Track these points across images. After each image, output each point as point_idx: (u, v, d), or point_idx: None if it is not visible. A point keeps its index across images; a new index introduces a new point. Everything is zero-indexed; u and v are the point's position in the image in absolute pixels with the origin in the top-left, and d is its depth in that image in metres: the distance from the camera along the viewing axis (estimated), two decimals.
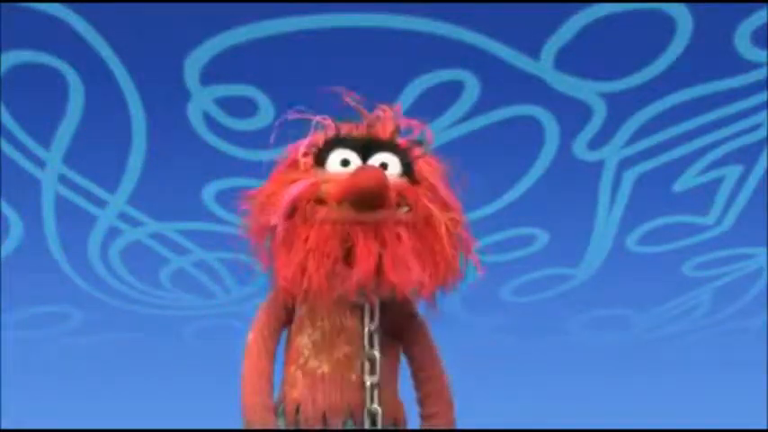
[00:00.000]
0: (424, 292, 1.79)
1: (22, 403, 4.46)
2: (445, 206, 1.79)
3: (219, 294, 5.50)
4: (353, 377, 1.83)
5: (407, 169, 1.82)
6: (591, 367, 5.16)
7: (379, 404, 1.83)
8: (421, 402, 1.95)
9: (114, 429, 4.27)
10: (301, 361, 1.90)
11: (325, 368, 1.84)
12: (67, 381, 4.95)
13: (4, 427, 4.18)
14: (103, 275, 5.30)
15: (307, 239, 1.75)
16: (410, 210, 1.76)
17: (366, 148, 1.83)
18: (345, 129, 1.90)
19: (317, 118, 1.93)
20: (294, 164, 1.88)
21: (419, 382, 1.95)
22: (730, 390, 4.58)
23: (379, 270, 1.72)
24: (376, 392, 1.83)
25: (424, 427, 1.94)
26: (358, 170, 1.74)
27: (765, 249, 5.37)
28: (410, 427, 1.98)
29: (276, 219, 1.77)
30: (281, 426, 1.94)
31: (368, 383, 1.82)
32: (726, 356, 5.16)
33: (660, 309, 5.71)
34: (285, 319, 1.93)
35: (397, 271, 1.72)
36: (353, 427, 1.86)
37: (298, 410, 1.92)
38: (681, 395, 4.71)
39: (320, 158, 1.85)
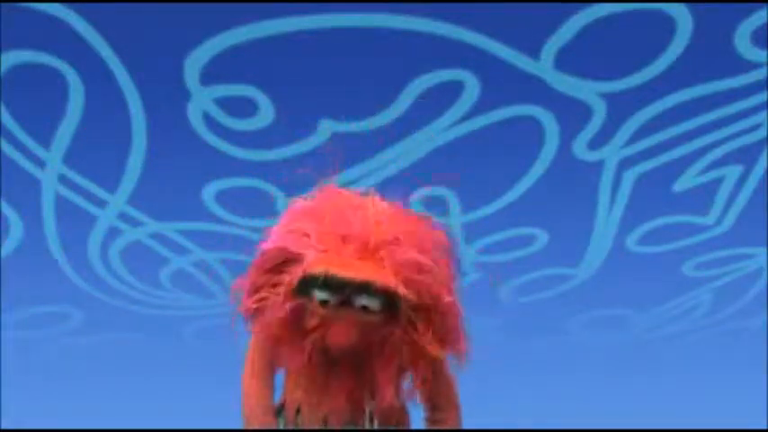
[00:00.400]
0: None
1: (22, 403, 4.46)
2: (437, 312, 1.83)
3: (219, 294, 5.50)
4: (354, 389, 1.87)
5: (390, 304, 1.80)
6: (591, 367, 5.16)
7: (379, 421, 1.89)
8: (428, 411, 1.99)
9: (114, 429, 4.27)
10: (301, 369, 1.91)
11: (324, 376, 1.86)
12: (67, 381, 4.95)
13: (4, 427, 4.18)
14: (103, 275, 5.29)
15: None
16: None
17: (342, 293, 1.81)
18: (333, 255, 1.82)
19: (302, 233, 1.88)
20: (277, 269, 1.90)
21: (432, 420, 1.99)
22: (730, 390, 4.58)
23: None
24: (375, 417, 1.90)
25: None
26: (331, 331, 1.80)
27: (765, 249, 5.37)
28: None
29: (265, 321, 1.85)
30: (281, 426, 1.95)
31: (367, 410, 1.89)
32: (726, 356, 5.16)
33: (660, 309, 5.71)
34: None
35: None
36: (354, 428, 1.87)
37: (298, 412, 1.93)
38: (681, 395, 4.71)
39: (304, 287, 1.83)
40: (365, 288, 1.78)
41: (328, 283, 1.78)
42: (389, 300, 1.79)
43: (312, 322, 1.81)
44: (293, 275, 1.81)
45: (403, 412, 1.98)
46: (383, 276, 1.77)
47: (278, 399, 2.00)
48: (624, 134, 4.95)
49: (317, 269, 1.78)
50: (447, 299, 1.84)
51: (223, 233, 5.14)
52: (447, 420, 1.97)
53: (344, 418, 1.89)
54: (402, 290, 1.79)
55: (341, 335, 1.80)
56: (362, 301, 1.79)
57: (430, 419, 1.98)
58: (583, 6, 4.46)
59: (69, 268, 5.21)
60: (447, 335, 1.87)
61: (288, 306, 1.81)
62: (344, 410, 1.88)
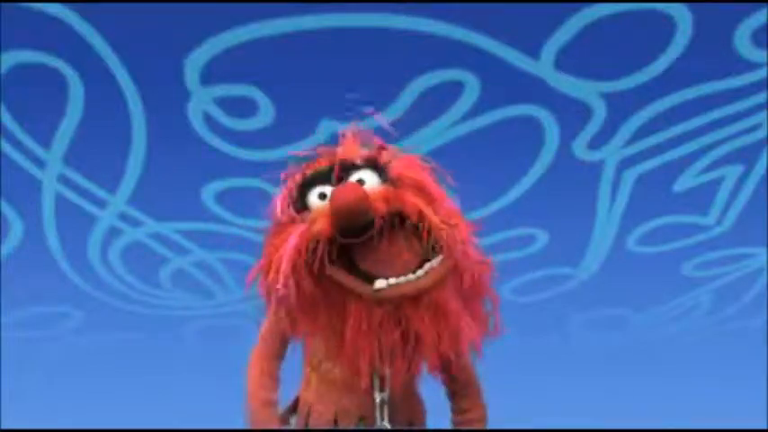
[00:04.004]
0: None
1: (22, 403, 4.46)
2: (432, 198, 1.76)
3: (219, 294, 5.50)
4: (366, 385, 1.82)
5: (385, 178, 1.77)
6: (591, 367, 5.16)
7: (391, 415, 1.84)
8: (452, 400, 2.00)
9: (114, 429, 4.27)
10: (315, 362, 1.91)
11: (338, 372, 1.84)
12: (67, 381, 4.94)
13: (4, 427, 4.18)
14: (103, 275, 5.29)
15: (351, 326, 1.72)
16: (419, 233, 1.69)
17: (338, 173, 1.79)
18: (310, 167, 1.85)
19: (283, 174, 1.87)
20: (281, 223, 1.80)
21: (456, 409, 1.99)
22: (730, 390, 4.58)
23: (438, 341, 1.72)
24: (385, 408, 1.84)
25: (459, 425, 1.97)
26: (332, 193, 1.69)
27: (765, 249, 5.37)
28: (429, 425, 2.00)
29: (283, 288, 1.70)
30: (293, 424, 1.95)
31: (377, 399, 1.83)
32: (726, 356, 5.16)
33: (660, 309, 5.71)
34: (285, 343, 1.95)
35: (428, 354, 1.73)
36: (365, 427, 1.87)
37: (309, 412, 1.93)
38: (681, 395, 4.71)
39: (301, 205, 1.79)
40: (350, 165, 1.78)
41: (313, 178, 1.78)
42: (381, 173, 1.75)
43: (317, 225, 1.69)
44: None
45: (417, 402, 1.97)
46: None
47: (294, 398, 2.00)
48: (624, 134, 4.96)
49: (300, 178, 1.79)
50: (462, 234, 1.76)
51: (223, 233, 5.14)
52: (473, 409, 1.96)
53: (354, 414, 1.88)
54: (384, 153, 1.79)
55: (346, 194, 1.65)
56: (355, 177, 1.76)
57: (455, 409, 1.97)
58: (583, 6, 4.46)
59: (69, 268, 5.21)
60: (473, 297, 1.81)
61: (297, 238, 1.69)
62: (354, 407, 1.87)
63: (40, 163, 4.79)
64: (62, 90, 4.56)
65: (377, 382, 1.82)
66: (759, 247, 5.39)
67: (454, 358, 1.80)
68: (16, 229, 5.03)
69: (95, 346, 5.40)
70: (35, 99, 4.59)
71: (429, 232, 1.69)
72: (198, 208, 5.03)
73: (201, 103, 4.63)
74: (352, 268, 1.71)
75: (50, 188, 4.89)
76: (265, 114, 4.66)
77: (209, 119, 4.71)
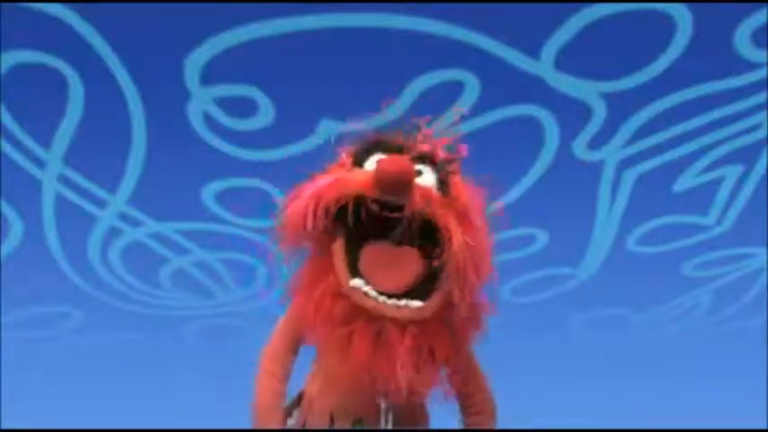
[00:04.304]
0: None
1: (22, 403, 4.46)
2: (472, 228, 1.74)
3: (219, 294, 5.50)
4: (369, 387, 1.81)
5: (443, 186, 1.78)
6: (591, 367, 5.16)
7: (394, 422, 1.84)
8: (464, 410, 1.99)
9: (114, 429, 4.27)
10: (319, 355, 1.90)
11: (342, 371, 1.82)
12: (67, 381, 4.94)
13: (4, 427, 4.18)
14: (103, 275, 5.29)
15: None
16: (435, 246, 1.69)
17: (401, 153, 1.79)
18: (387, 136, 1.87)
19: (360, 126, 1.89)
20: (337, 165, 1.84)
21: (465, 408, 1.98)
22: (730, 390, 4.58)
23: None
24: (390, 415, 1.84)
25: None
26: (384, 158, 1.71)
27: (765, 249, 5.37)
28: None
29: (307, 221, 1.71)
30: (295, 417, 1.94)
31: (383, 406, 1.83)
32: (726, 356, 5.16)
33: (660, 309, 5.71)
34: (300, 336, 1.93)
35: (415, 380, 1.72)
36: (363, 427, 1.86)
37: (310, 407, 1.93)
38: (681, 395, 4.71)
39: (360, 160, 1.81)
40: (419, 154, 1.78)
41: (382, 144, 1.78)
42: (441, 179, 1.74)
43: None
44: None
45: (422, 410, 1.96)
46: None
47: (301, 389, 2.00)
48: (624, 134, 4.95)
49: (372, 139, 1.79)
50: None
51: (223, 233, 5.14)
52: (479, 405, 1.96)
53: (351, 415, 1.87)
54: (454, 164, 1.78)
55: (395, 162, 1.67)
56: (417, 167, 1.75)
57: (464, 409, 1.96)
58: (583, 6, 4.46)
59: (69, 268, 5.21)
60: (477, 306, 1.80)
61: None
62: (353, 407, 1.87)
63: (40, 163, 4.79)
64: (62, 90, 4.56)
65: (381, 389, 1.81)
66: (759, 247, 5.39)
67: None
68: (16, 229, 5.03)
69: (95, 346, 5.40)
70: (35, 99, 4.58)
71: (445, 255, 1.69)
72: (198, 208, 5.03)
73: (201, 103, 4.63)
74: (351, 257, 1.72)
75: (50, 188, 4.88)
76: (265, 114, 4.66)
77: (209, 119, 4.71)
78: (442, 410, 1.96)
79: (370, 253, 1.73)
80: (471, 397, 1.96)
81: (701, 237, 5.42)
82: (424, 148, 1.83)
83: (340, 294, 1.72)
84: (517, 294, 5.44)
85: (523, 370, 4.78)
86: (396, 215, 1.69)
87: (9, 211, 4.97)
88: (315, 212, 1.70)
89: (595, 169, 5.09)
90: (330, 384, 1.87)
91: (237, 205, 5.02)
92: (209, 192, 4.99)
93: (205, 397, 4.45)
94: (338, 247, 1.73)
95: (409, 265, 1.72)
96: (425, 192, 1.71)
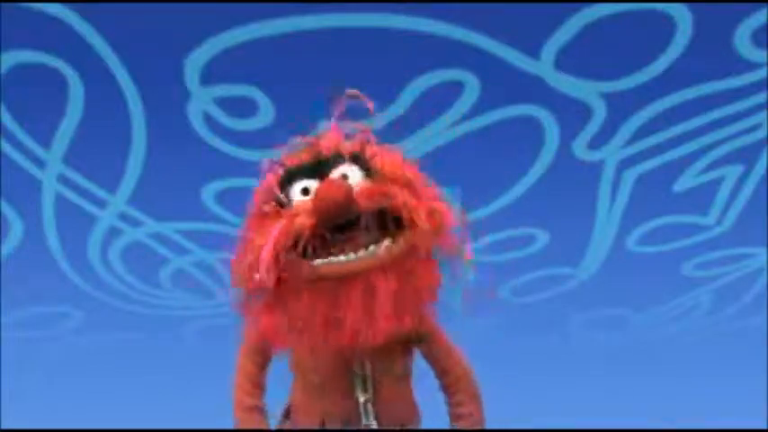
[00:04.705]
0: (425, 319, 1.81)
1: (22, 403, 4.46)
2: (418, 193, 1.73)
3: (219, 294, 5.50)
4: (348, 389, 1.82)
5: (369, 172, 1.75)
6: (591, 367, 5.15)
7: (376, 417, 1.82)
8: (447, 396, 1.96)
9: (114, 429, 4.27)
10: (298, 368, 1.90)
11: (318, 377, 1.83)
12: (67, 381, 4.94)
13: (4, 427, 4.18)
14: (103, 275, 5.29)
15: (296, 303, 1.69)
16: (393, 230, 1.68)
17: (318, 169, 1.77)
18: (294, 160, 1.83)
19: (266, 163, 1.86)
20: (261, 213, 1.79)
21: (443, 385, 1.96)
22: (730, 390, 4.57)
23: (369, 321, 1.66)
24: (370, 407, 1.82)
25: (455, 420, 1.94)
26: (317, 190, 1.67)
27: (765, 249, 5.37)
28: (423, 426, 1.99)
29: (263, 276, 1.67)
30: (287, 428, 1.95)
31: (361, 400, 1.82)
32: (726, 356, 5.15)
33: (660, 309, 5.71)
34: (266, 359, 1.93)
35: (388, 321, 1.67)
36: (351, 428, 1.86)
37: (297, 417, 1.93)
38: (681, 395, 4.71)
39: (282, 201, 1.77)
40: (333, 159, 1.75)
41: (296, 172, 1.75)
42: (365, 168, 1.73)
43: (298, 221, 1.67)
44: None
45: (409, 405, 1.95)
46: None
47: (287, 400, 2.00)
48: (624, 134, 4.96)
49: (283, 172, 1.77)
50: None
51: (223, 233, 5.14)
52: (466, 402, 1.93)
53: (339, 417, 1.87)
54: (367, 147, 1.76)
55: (329, 190, 1.63)
56: (338, 172, 1.73)
57: (450, 402, 1.95)
58: (583, 6, 4.46)
59: (69, 268, 5.21)
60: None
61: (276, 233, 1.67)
62: (338, 410, 1.86)
63: (40, 163, 4.79)
64: (62, 90, 4.56)
65: (359, 383, 1.82)
66: (759, 247, 5.39)
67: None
68: (16, 229, 5.03)
69: (95, 346, 5.40)
70: (35, 99, 4.59)
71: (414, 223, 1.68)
72: (198, 208, 5.03)
73: (201, 103, 4.63)
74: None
75: (50, 188, 4.89)
76: (265, 114, 4.66)
77: (209, 119, 4.71)
78: (433, 404, 1.96)
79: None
80: (448, 374, 1.93)
81: (701, 237, 5.42)
82: (332, 146, 1.82)
83: (314, 280, 1.68)
84: (517, 294, 5.44)
85: (523, 370, 4.78)
86: (351, 230, 1.68)
87: (9, 211, 4.97)
88: (274, 270, 1.68)
89: (595, 169, 5.09)
90: (311, 393, 1.87)
91: (237, 205, 5.02)
92: (209, 192, 4.99)
93: (205, 397, 4.44)
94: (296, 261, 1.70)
95: (368, 231, 1.71)
96: (365, 191, 1.69)
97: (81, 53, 4.46)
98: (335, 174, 1.74)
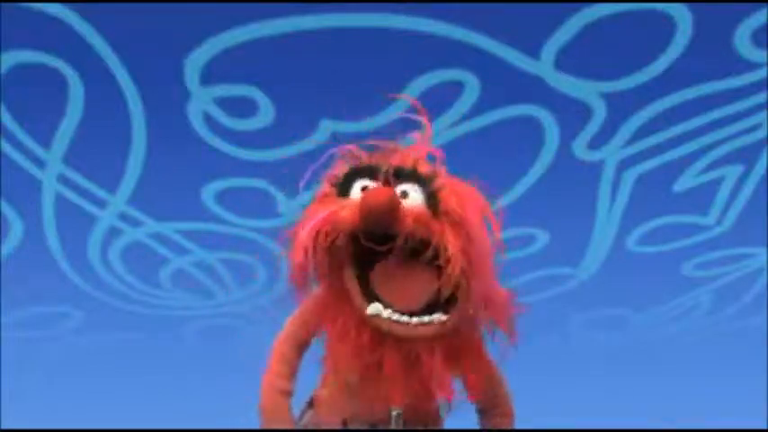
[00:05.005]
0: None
1: (22, 403, 4.46)
2: (470, 240, 1.71)
3: (219, 294, 5.50)
4: (381, 395, 1.80)
5: (432, 200, 1.74)
6: (590, 367, 5.15)
7: (407, 425, 1.83)
8: (482, 418, 2.01)
9: (114, 429, 4.27)
10: (335, 363, 1.89)
11: (354, 376, 1.81)
12: (67, 381, 4.94)
13: (4, 427, 4.18)
14: (103, 275, 5.29)
15: (342, 325, 1.73)
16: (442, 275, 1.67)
17: (385, 176, 1.77)
18: (368, 158, 1.84)
19: (344, 149, 1.86)
20: (322, 196, 1.81)
21: (486, 413, 2.01)
22: (730, 390, 4.58)
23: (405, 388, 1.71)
24: (401, 421, 1.83)
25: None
26: (367, 192, 1.68)
27: (765, 249, 5.36)
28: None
29: (299, 257, 1.70)
30: (308, 417, 1.93)
31: (394, 413, 1.82)
32: (726, 356, 5.15)
33: (660, 309, 5.71)
34: (304, 347, 1.93)
35: (430, 394, 1.73)
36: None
37: (321, 411, 1.92)
38: (681, 395, 4.71)
39: (343, 189, 1.78)
40: (405, 173, 1.75)
41: (365, 169, 1.75)
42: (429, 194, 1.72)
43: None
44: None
45: (436, 415, 1.94)
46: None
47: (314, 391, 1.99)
48: (624, 134, 4.95)
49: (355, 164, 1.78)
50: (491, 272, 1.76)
51: (223, 233, 5.14)
52: (500, 415, 2.00)
53: (364, 422, 1.86)
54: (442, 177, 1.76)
55: (378, 195, 1.63)
56: (403, 187, 1.73)
57: (484, 414, 1.98)
58: (583, 6, 4.46)
59: (69, 268, 5.21)
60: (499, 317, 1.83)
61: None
62: (365, 414, 1.86)
63: (40, 163, 4.79)
64: (62, 90, 4.56)
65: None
66: (759, 247, 5.39)
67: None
68: (16, 229, 5.03)
69: (95, 346, 5.40)
70: (35, 99, 4.58)
71: (447, 267, 1.67)
72: (198, 208, 5.03)
73: (201, 103, 4.63)
74: (362, 281, 1.71)
75: (50, 188, 4.88)
76: (265, 114, 4.66)
77: (209, 119, 4.71)
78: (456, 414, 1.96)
79: (381, 273, 1.72)
80: (495, 407, 2.00)
81: (701, 237, 5.42)
82: (407, 164, 1.80)
83: (363, 323, 1.71)
84: (517, 294, 5.43)
85: (523, 370, 4.78)
86: (388, 246, 1.68)
87: (9, 211, 4.97)
88: (313, 253, 1.69)
89: (595, 169, 5.09)
90: (343, 390, 1.86)
91: (237, 205, 5.02)
92: (209, 192, 4.99)
93: (205, 397, 4.44)
94: (348, 275, 1.72)
95: (421, 278, 1.71)
96: (415, 214, 1.69)
97: (81, 53, 4.46)
98: (398, 187, 1.74)
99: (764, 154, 5.09)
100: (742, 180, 5.21)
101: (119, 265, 5.28)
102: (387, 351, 1.70)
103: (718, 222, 5.36)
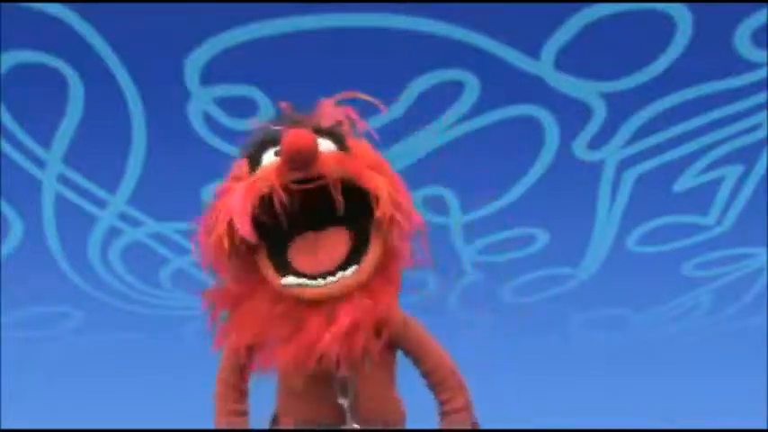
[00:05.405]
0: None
1: (22, 403, 4.46)
2: (387, 175, 1.74)
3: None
4: (329, 393, 1.81)
5: (343, 148, 1.77)
6: (590, 367, 5.15)
7: (359, 420, 1.82)
8: (434, 394, 1.93)
9: (114, 429, 4.27)
10: (281, 372, 1.89)
11: (301, 383, 1.80)
12: (67, 381, 4.94)
13: (4, 427, 4.18)
14: (103, 275, 5.29)
15: (262, 319, 1.74)
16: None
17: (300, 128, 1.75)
18: (270, 131, 1.85)
19: (252, 124, 1.89)
20: (234, 177, 1.83)
21: (424, 375, 1.93)
22: (730, 390, 4.58)
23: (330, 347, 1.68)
24: (352, 411, 1.82)
25: (443, 419, 1.91)
26: (285, 137, 1.66)
27: (765, 249, 5.37)
28: (409, 425, 1.98)
29: (243, 227, 1.69)
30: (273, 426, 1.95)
31: (343, 405, 1.81)
32: (726, 356, 5.15)
33: (660, 309, 5.71)
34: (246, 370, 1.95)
35: (350, 342, 1.69)
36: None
37: (280, 422, 1.93)
38: (681, 395, 4.71)
39: (255, 161, 1.79)
40: (318, 128, 1.76)
41: (273, 138, 1.76)
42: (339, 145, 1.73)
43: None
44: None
45: (393, 403, 1.93)
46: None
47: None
48: (624, 134, 4.96)
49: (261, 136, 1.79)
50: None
51: None
52: (454, 398, 1.90)
53: (314, 423, 1.87)
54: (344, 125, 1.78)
55: (297, 133, 1.64)
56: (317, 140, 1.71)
57: (438, 401, 1.92)
58: (583, 6, 4.46)
59: (69, 268, 5.21)
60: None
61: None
62: (315, 415, 1.86)
63: (40, 163, 4.79)
64: (62, 90, 4.56)
65: (339, 388, 1.81)
66: (759, 247, 5.39)
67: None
68: (16, 229, 5.03)
69: (95, 346, 5.40)
70: (35, 99, 4.59)
71: (377, 204, 1.68)
72: (198, 208, 5.02)
73: (201, 103, 4.63)
74: (276, 258, 1.72)
75: (50, 188, 4.89)
76: (265, 114, 4.65)
77: (209, 119, 4.71)
78: (421, 405, 1.95)
79: (296, 247, 1.73)
80: (434, 373, 1.91)
81: (701, 237, 5.42)
82: (312, 120, 1.83)
83: (279, 297, 1.72)
84: (517, 294, 5.44)
85: (523, 370, 4.78)
86: (315, 185, 1.67)
87: (9, 211, 4.97)
88: (231, 237, 1.72)
89: (595, 169, 5.09)
90: (291, 398, 1.87)
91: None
92: (209, 192, 4.98)
93: (205, 397, 4.44)
94: (261, 255, 1.74)
95: (336, 241, 1.72)
96: (334, 155, 1.70)
97: (81, 53, 4.46)
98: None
99: (764, 154, 5.09)
100: (742, 180, 5.21)
101: (119, 265, 5.28)
102: (305, 314, 1.69)
103: (718, 222, 5.36)
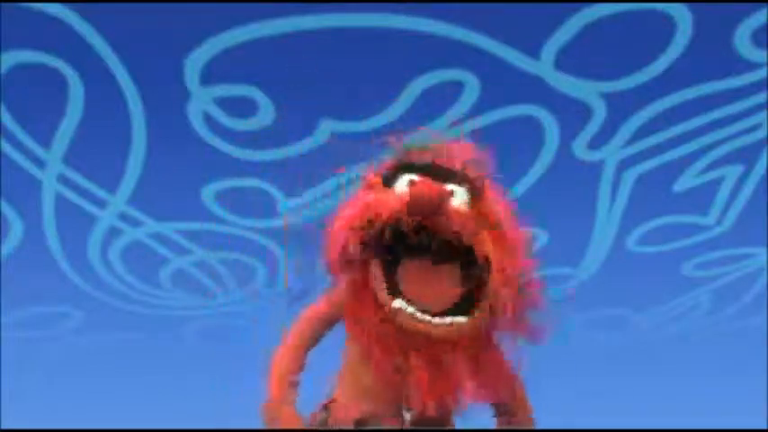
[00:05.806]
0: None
1: (22, 403, 4.46)
2: (508, 247, 1.74)
3: (219, 294, 5.50)
4: (397, 399, 1.81)
5: (474, 202, 1.76)
6: (590, 367, 5.16)
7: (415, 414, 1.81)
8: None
9: (114, 429, 4.27)
10: (351, 363, 1.89)
11: (369, 379, 1.81)
12: (67, 381, 4.94)
13: (4, 427, 4.18)
14: (103, 275, 5.29)
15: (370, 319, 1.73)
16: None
17: (432, 172, 1.77)
18: (415, 155, 1.85)
19: (391, 139, 1.88)
20: (368, 185, 1.81)
21: (504, 421, 1.98)
22: (730, 390, 4.58)
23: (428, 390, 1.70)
24: (411, 424, 1.83)
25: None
26: (415, 184, 1.69)
27: (765, 249, 5.37)
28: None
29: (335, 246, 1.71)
30: (320, 418, 1.93)
31: (407, 417, 1.82)
32: (726, 356, 5.16)
33: (660, 309, 5.71)
34: (324, 331, 1.93)
35: (454, 397, 1.72)
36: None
37: (336, 411, 1.91)
38: (681, 395, 4.71)
39: (389, 181, 1.79)
40: (451, 173, 1.76)
41: (413, 165, 1.76)
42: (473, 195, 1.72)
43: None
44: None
45: (449, 418, 1.93)
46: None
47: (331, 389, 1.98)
48: (624, 134, 4.95)
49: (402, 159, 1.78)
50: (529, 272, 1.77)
51: (223, 233, 5.14)
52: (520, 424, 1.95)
53: (378, 421, 1.86)
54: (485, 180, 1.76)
55: (428, 184, 1.66)
56: (449, 187, 1.72)
57: (502, 422, 1.95)
58: (583, 6, 4.46)
59: (69, 268, 5.21)
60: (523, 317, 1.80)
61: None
62: (381, 413, 1.85)
63: (40, 163, 4.79)
64: (62, 90, 4.56)
65: (406, 401, 1.80)
66: (759, 247, 5.39)
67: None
68: (16, 229, 5.03)
69: (95, 346, 5.40)
70: (35, 99, 4.59)
71: (483, 271, 1.69)
72: (198, 208, 5.03)
73: (201, 103, 4.63)
74: (388, 277, 1.71)
75: (50, 188, 4.88)
76: (265, 114, 4.66)
77: (209, 119, 4.71)
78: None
79: (409, 272, 1.72)
80: (515, 415, 1.97)
81: (701, 237, 5.42)
82: (455, 165, 1.83)
83: (386, 318, 1.71)
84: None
85: (523, 370, 4.78)
86: (429, 238, 1.68)
87: (9, 211, 4.97)
88: (351, 238, 1.70)
89: (595, 169, 5.09)
90: (357, 392, 1.85)
91: (237, 205, 5.03)
92: (209, 192, 4.99)
93: (205, 397, 4.45)
94: (376, 269, 1.72)
95: (449, 281, 1.71)
96: (459, 215, 1.69)
97: (81, 53, 4.46)
98: (446, 185, 1.74)
99: (764, 154, 5.09)
100: (742, 180, 5.21)
101: (119, 265, 5.28)
102: (411, 352, 1.70)
103: (719, 222, 5.36)
